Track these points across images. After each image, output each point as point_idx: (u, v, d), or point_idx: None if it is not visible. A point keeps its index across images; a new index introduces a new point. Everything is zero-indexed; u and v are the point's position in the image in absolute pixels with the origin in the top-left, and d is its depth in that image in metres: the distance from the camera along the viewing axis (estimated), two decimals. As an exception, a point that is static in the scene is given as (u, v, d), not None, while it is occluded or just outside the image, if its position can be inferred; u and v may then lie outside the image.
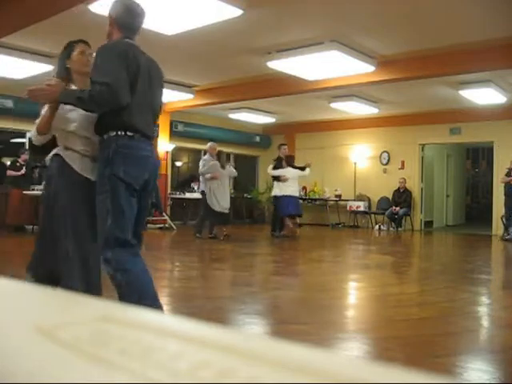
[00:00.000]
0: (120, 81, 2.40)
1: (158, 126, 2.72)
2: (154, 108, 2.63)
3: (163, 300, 4.09)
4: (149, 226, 9.98)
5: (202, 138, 12.67)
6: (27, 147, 9.62)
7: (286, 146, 9.50)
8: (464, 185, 15.64)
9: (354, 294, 4.56)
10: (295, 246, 8.45)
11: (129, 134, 2.47)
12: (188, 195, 11.48)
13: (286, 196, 8.77)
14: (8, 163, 9.34)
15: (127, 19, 2.62)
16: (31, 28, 5.68)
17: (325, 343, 2.72)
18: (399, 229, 11.56)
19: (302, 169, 9.20)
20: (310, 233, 10.95)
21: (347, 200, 12.54)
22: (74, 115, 2.56)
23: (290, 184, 8.78)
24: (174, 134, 11.55)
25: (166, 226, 10.28)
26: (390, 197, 11.94)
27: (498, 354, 2.66)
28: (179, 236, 9.58)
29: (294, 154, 13.83)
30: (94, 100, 2.38)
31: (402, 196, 11.66)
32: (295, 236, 8.98)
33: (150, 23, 5.72)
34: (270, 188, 13.94)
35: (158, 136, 2.71)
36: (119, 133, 2.46)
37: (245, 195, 13.63)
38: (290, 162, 9.09)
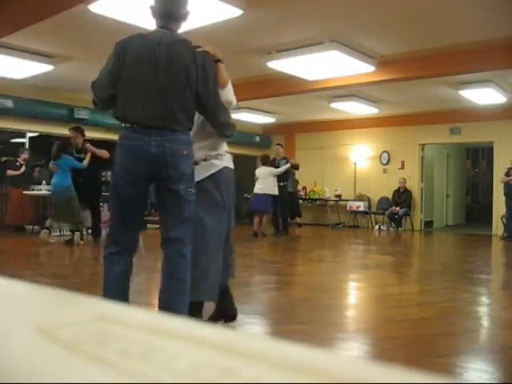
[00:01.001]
0: (98, 79, 2.48)
1: (185, 116, 2.44)
2: (162, 93, 2.39)
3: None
4: (148, 225, 9.97)
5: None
6: (27, 146, 9.63)
7: (278, 146, 9.87)
8: (464, 185, 15.64)
9: (354, 294, 4.56)
10: (295, 246, 8.45)
11: (127, 125, 2.41)
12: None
13: (255, 194, 9.34)
14: (5, 161, 9.34)
15: (154, 6, 2.52)
16: (31, 28, 5.68)
17: (325, 343, 2.72)
18: (399, 229, 11.56)
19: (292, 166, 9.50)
20: (310, 233, 10.95)
21: (347, 200, 12.54)
22: None
23: (258, 182, 9.23)
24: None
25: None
26: (390, 197, 11.94)
27: (498, 354, 2.66)
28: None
29: (294, 153, 13.84)
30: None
31: (402, 196, 11.66)
32: (258, 235, 9.26)
33: (150, 23, 5.72)
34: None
35: (187, 127, 2.44)
36: (122, 125, 2.44)
37: (245, 195, 13.63)
38: (264, 161, 9.42)
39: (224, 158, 2.78)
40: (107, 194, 9.77)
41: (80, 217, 7.17)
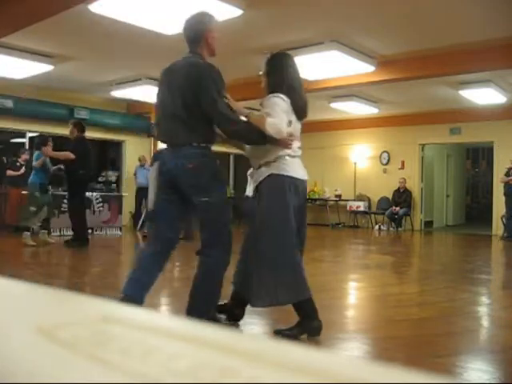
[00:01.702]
0: None
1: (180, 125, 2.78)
2: (170, 113, 2.72)
3: (163, 300, 4.09)
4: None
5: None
6: (27, 147, 9.63)
7: None
8: (464, 185, 15.63)
9: (354, 294, 4.56)
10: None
11: None
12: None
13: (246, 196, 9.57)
14: (6, 162, 9.34)
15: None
16: (31, 28, 5.68)
17: (325, 343, 2.72)
18: (399, 229, 11.56)
19: None
20: (310, 233, 10.93)
21: (347, 200, 12.54)
22: None
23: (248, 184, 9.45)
24: (173, 134, 11.55)
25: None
26: (390, 197, 11.93)
27: (497, 353, 2.66)
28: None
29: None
30: None
31: (402, 196, 11.65)
32: None
33: (150, 23, 5.72)
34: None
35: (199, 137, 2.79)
36: None
37: (245, 195, 13.64)
38: None
39: (273, 165, 2.79)
40: (109, 193, 9.78)
41: (27, 215, 6.98)
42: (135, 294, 2.65)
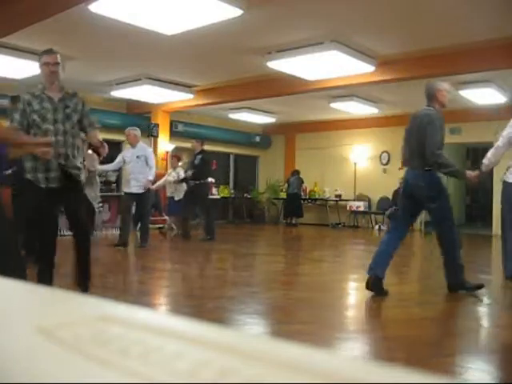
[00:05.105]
0: None
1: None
2: (412, 146, 4.02)
3: (163, 300, 4.10)
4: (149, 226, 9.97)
5: (202, 138, 12.68)
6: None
7: (194, 141, 8.75)
8: (464, 185, 15.61)
9: (354, 294, 4.56)
10: (295, 246, 8.45)
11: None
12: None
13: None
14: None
15: None
16: (31, 28, 5.68)
17: (325, 343, 2.72)
18: (399, 229, 11.56)
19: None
20: (310, 233, 10.94)
21: (347, 200, 12.54)
22: None
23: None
24: (173, 134, 11.55)
25: (166, 226, 10.26)
26: (390, 197, 11.93)
27: (497, 353, 2.66)
28: (179, 236, 9.57)
29: (294, 153, 13.87)
30: None
31: (402, 196, 11.65)
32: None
33: (150, 23, 5.72)
34: (271, 188, 13.97)
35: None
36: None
37: (245, 195, 13.64)
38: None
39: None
40: (109, 193, 9.79)
41: None
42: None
